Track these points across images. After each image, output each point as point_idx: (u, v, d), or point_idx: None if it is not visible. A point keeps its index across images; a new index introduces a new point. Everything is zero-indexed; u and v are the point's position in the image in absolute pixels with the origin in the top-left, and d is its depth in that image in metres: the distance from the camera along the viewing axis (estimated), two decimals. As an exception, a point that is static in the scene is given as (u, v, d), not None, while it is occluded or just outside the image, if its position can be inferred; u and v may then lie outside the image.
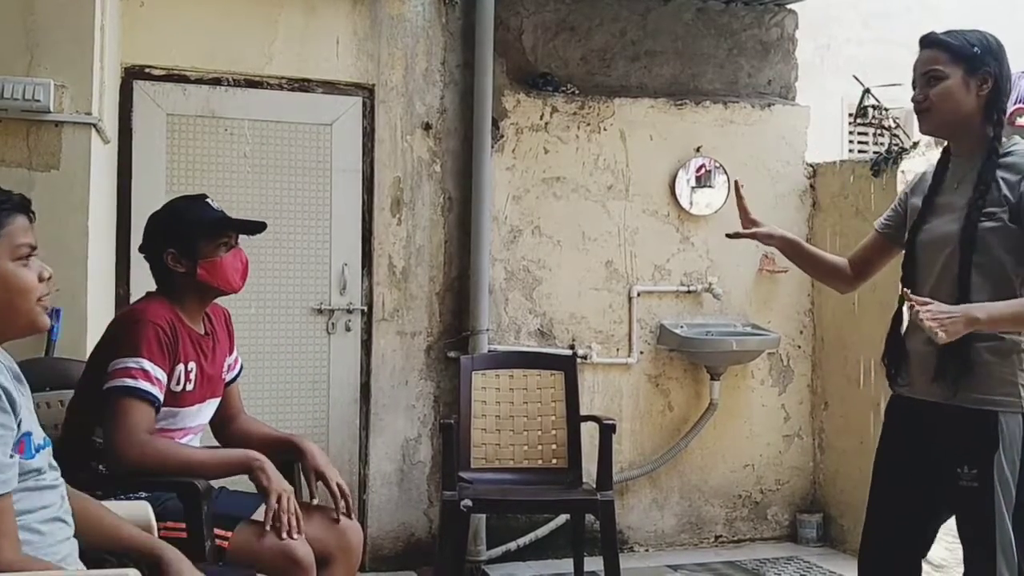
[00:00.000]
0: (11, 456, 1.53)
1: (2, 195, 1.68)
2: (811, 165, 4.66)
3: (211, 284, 2.44)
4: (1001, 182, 2.15)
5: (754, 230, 2.54)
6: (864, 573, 2.35)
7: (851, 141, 6.65)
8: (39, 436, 1.64)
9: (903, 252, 2.36)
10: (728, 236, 2.64)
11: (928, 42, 2.25)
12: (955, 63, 2.19)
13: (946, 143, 2.34)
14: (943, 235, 2.21)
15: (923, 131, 2.37)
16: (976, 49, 2.18)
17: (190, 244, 2.42)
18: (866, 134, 6.46)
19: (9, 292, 1.64)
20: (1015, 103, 5.73)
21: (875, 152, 5.10)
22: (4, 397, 1.55)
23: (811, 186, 4.65)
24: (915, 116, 2.30)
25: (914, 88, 2.28)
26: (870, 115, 4.66)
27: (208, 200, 2.51)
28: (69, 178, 2.61)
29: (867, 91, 4.56)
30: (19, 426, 1.57)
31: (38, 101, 2.56)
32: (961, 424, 2.14)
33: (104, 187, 3.11)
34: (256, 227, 2.57)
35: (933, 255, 2.23)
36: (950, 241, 2.18)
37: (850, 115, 5.98)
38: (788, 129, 4.63)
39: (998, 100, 2.20)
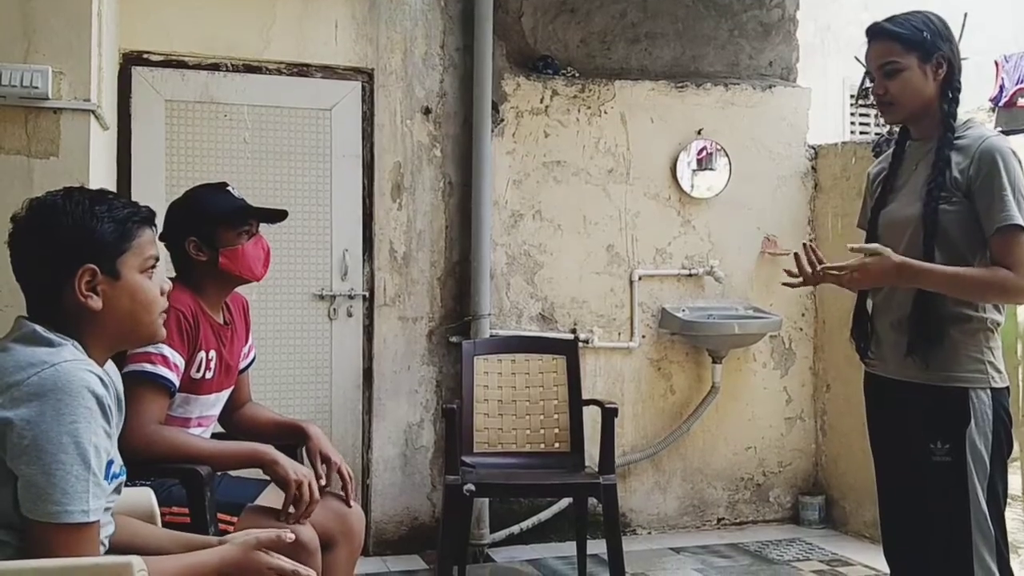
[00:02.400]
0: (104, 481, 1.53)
1: (131, 207, 1.67)
2: (812, 147, 4.65)
3: (233, 272, 2.45)
4: (953, 165, 2.19)
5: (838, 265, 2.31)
6: (889, 552, 2.38)
7: (852, 123, 6.64)
8: (117, 464, 1.63)
9: (866, 233, 2.39)
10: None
11: (877, 33, 2.27)
12: (909, 52, 2.22)
13: (902, 125, 2.38)
14: (904, 217, 2.25)
15: (888, 122, 2.41)
16: (926, 34, 2.21)
17: (212, 233, 2.43)
18: (867, 115, 6.47)
19: (136, 304, 1.64)
20: (1016, 83, 5.71)
21: (877, 133, 5.09)
22: (110, 422, 1.55)
23: (813, 168, 4.64)
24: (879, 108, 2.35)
25: (870, 81, 2.32)
26: (871, 96, 4.65)
27: (229, 188, 2.53)
28: (68, 165, 2.60)
29: (868, 72, 4.55)
30: None
31: (36, 88, 2.54)
32: (932, 401, 2.19)
33: (103, 174, 3.09)
34: (277, 215, 2.59)
35: (894, 237, 2.27)
36: (910, 223, 2.22)
37: (851, 96, 5.99)
38: (789, 111, 4.61)
39: (953, 79, 2.24)
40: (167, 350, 2.25)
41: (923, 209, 2.19)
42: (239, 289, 2.59)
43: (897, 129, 3.78)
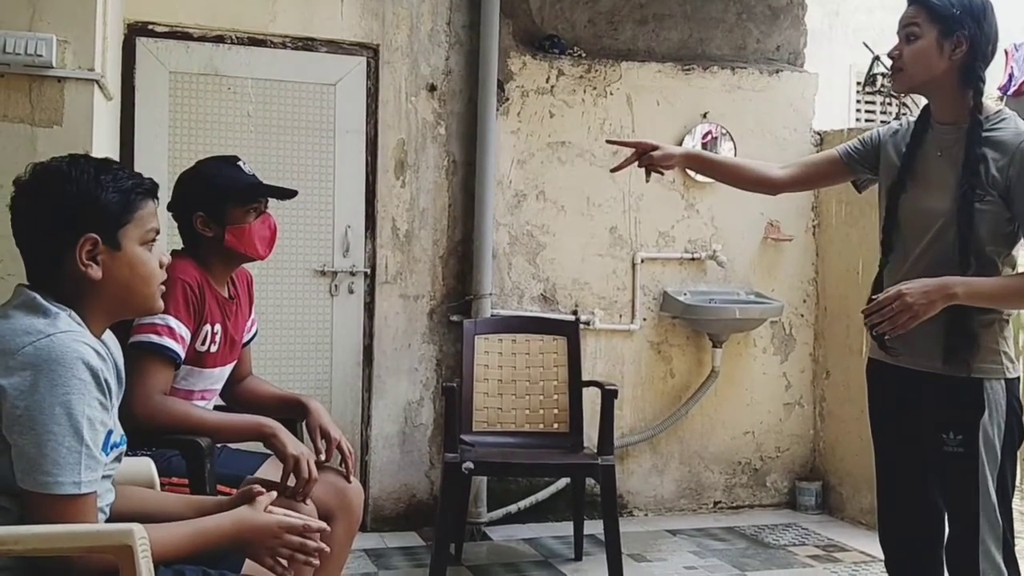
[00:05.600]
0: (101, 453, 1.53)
1: (135, 178, 1.66)
2: (818, 133, 4.63)
3: (237, 250, 2.44)
4: (990, 162, 2.10)
5: (651, 154, 2.44)
6: (885, 540, 2.36)
7: (859, 109, 6.61)
8: (117, 434, 1.63)
9: (884, 217, 2.30)
10: (612, 170, 2.57)
11: None
12: (932, 23, 2.13)
13: (926, 103, 2.28)
14: (932, 209, 2.16)
15: (896, 90, 2.34)
16: (956, 10, 2.11)
17: (220, 208, 2.41)
18: (874, 102, 6.43)
19: (134, 277, 1.64)
20: (1025, 73, 5.67)
21: (883, 120, 5.07)
22: (107, 394, 1.54)
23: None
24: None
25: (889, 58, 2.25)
26: (879, 83, 4.63)
27: (240, 163, 2.50)
28: (71, 134, 2.59)
29: (876, 58, 4.53)
30: None
31: (40, 56, 2.53)
32: (947, 392, 2.15)
33: (107, 144, 3.08)
34: (288, 194, 2.57)
35: (920, 228, 2.20)
36: (940, 217, 2.15)
37: (858, 83, 5.95)
38: (796, 96, 4.59)
39: (974, 64, 2.13)
40: (173, 322, 2.25)
41: (959, 211, 2.11)
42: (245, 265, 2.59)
43: (906, 116, 3.74)
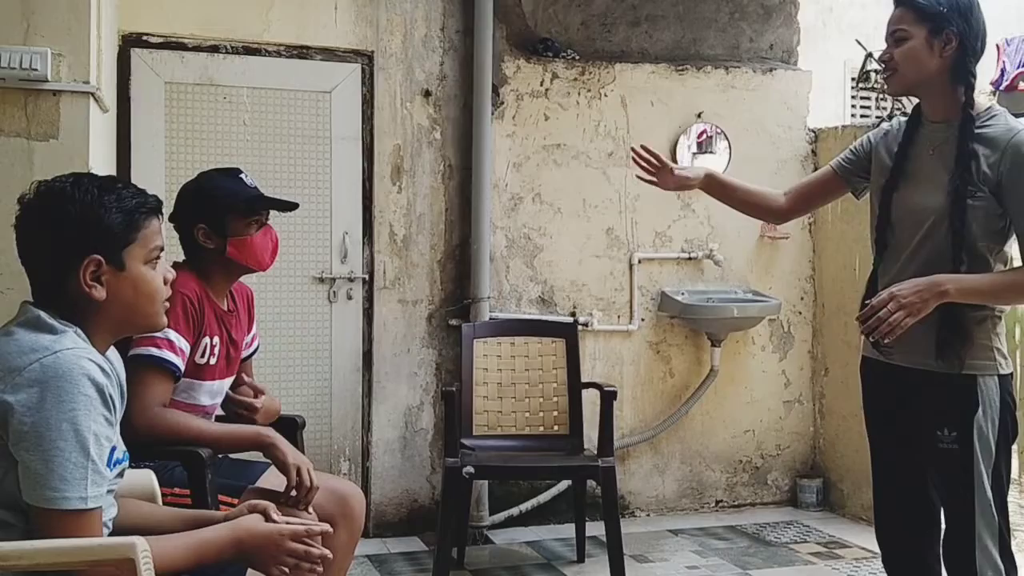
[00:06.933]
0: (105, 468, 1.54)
1: (140, 197, 1.66)
2: (813, 130, 4.64)
3: (240, 262, 2.46)
4: (982, 158, 2.12)
5: (683, 173, 2.57)
6: (882, 536, 2.37)
7: (853, 106, 6.61)
8: (120, 450, 1.64)
9: (876, 215, 2.31)
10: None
11: (899, 0, 2.22)
12: (920, 23, 2.15)
13: (917, 102, 2.29)
14: (924, 206, 2.18)
15: (889, 92, 2.36)
16: (942, 8, 2.13)
17: (221, 221, 2.43)
18: (868, 99, 6.44)
19: (139, 295, 1.65)
20: (1017, 67, 5.69)
21: (878, 117, 5.08)
22: (112, 410, 1.56)
23: (813, 151, 4.63)
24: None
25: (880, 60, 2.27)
26: (873, 79, 4.63)
27: (242, 175, 2.52)
28: (68, 147, 2.60)
29: (870, 55, 4.53)
30: None
31: (35, 70, 2.54)
32: (941, 389, 2.16)
33: (103, 156, 3.09)
34: (289, 206, 2.59)
35: (913, 225, 2.21)
36: (932, 213, 2.16)
37: (852, 79, 5.96)
38: (790, 94, 4.60)
39: (965, 60, 2.15)
40: (173, 335, 2.27)
41: (951, 207, 2.12)
42: (245, 276, 2.60)
43: (900, 113, 3.75)
